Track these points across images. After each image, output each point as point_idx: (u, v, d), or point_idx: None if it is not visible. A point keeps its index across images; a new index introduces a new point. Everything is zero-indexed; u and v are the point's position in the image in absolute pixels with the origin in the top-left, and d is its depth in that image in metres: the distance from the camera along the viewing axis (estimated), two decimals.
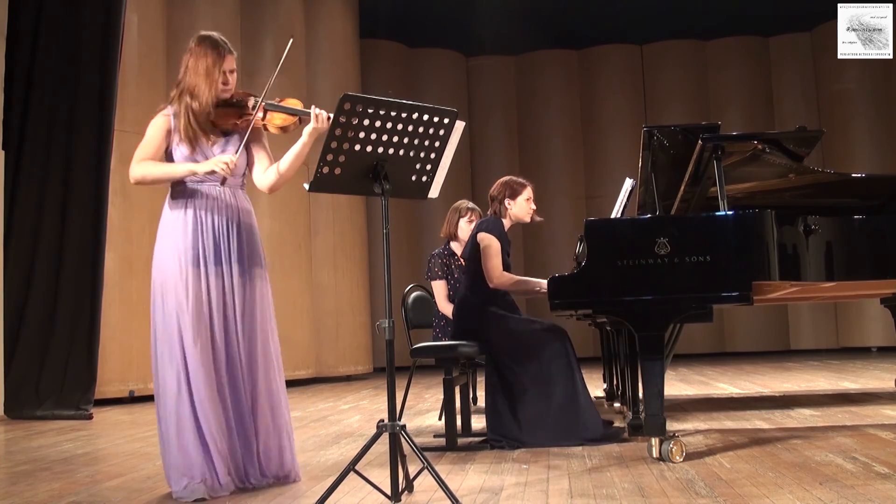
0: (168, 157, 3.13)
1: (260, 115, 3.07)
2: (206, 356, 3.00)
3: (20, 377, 6.37)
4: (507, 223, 4.38)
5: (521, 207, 4.38)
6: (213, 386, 3.00)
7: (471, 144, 12.64)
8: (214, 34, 3.14)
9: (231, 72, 3.12)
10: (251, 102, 3.11)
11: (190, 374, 2.98)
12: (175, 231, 3.07)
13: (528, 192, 4.40)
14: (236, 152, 3.06)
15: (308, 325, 9.34)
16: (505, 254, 4.32)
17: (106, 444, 4.71)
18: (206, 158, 3.08)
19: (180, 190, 3.11)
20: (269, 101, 3.08)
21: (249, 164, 3.22)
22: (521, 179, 4.44)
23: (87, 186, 6.53)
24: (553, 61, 13.10)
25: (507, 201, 4.37)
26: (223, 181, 3.03)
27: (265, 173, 3.18)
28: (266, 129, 3.12)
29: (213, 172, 3.00)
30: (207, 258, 3.05)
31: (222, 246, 3.08)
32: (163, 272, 3.06)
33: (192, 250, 3.04)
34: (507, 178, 4.47)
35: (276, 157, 3.22)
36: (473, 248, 4.32)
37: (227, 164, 2.95)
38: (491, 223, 4.33)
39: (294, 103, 3.11)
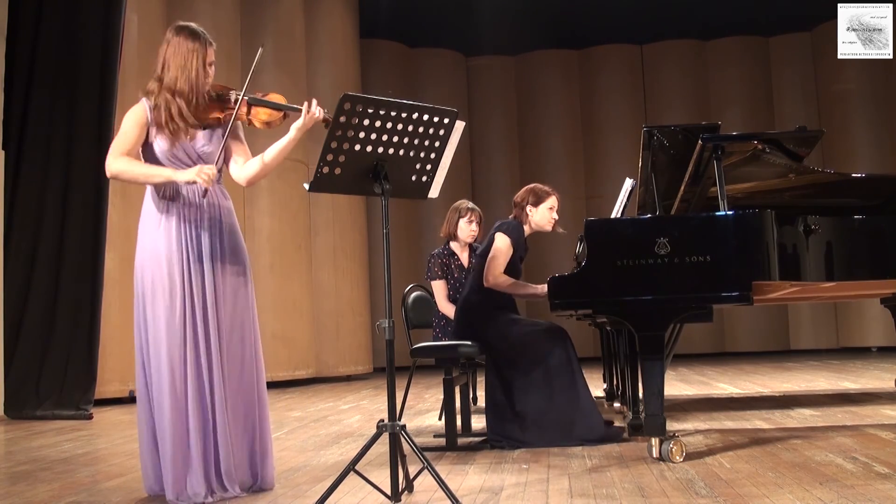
0: (146, 148, 3.03)
1: (244, 109, 3.01)
2: (201, 360, 2.94)
3: (20, 377, 6.37)
4: (527, 230, 4.37)
5: (542, 215, 4.36)
6: (203, 392, 2.93)
7: (471, 144, 12.65)
8: (192, 24, 3.07)
9: (211, 64, 3.03)
10: (233, 96, 3.04)
11: (187, 379, 2.91)
12: (157, 230, 2.98)
13: (552, 201, 4.38)
14: (219, 154, 2.99)
15: (308, 325, 9.33)
16: (518, 259, 4.31)
17: (106, 444, 4.71)
18: (186, 153, 2.99)
19: (162, 187, 3.01)
20: (253, 96, 3.03)
21: (227, 157, 3.13)
22: (547, 188, 4.41)
23: (87, 186, 6.53)
24: (553, 61, 13.10)
25: (528, 208, 4.35)
26: (204, 192, 2.96)
27: (244, 166, 3.09)
28: (250, 123, 3.05)
29: (193, 182, 2.89)
30: (190, 257, 2.97)
31: (204, 244, 2.99)
32: (146, 272, 2.97)
33: (174, 249, 2.96)
34: (533, 184, 4.45)
35: (260, 149, 3.13)
36: (488, 246, 4.31)
37: (208, 175, 2.85)
38: (511, 226, 4.31)
39: (278, 98, 3.07)
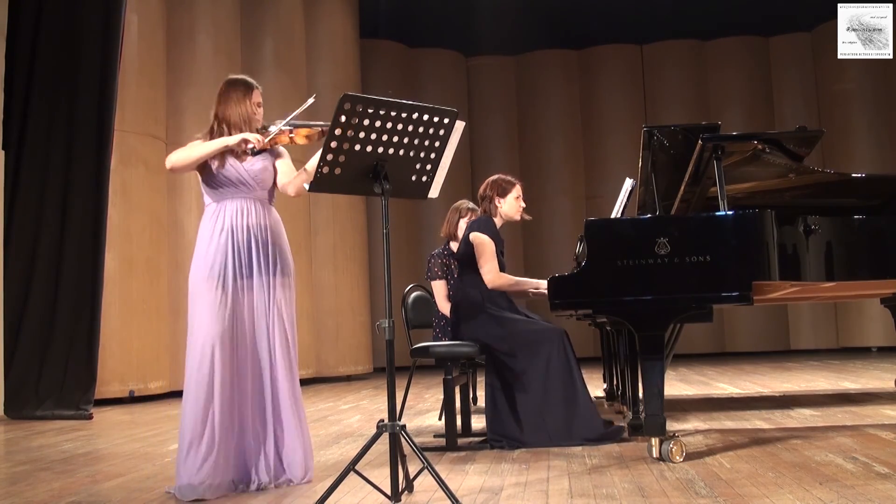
0: (205, 169, 3.28)
1: (286, 135, 3.27)
2: (233, 363, 3.13)
3: (20, 377, 6.37)
4: (498, 222, 4.39)
5: (510, 205, 4.39)
6: (238, 391, 3.14)
7: (471, 144, 12.64)
8: (241, 76, 3.41)
9: (259, 104, 3.34)
10: (278, 125, 3.30)
11: (215, 380, 3.08)
12: (209, 243, 3.21)
13: (516, 191, 4.41)
14: (269, 140, 3.24)
15: (308, 325, 9.33)
16: (499, 253, 4.32)
17: (106, 444, 4.72)
18: (238, 174, 3.26)
19: (216, 205, 3.27)
20: (293, 122, 3.26)
21: (274, 174, 3.38)
22: (509, 177, 4.44)
23: (87, 186, 6.53)
24: (553, 61, 13.09)
25: (496, 199, 4.38)
26: (253, 149, 3.21)
27: (291, 180, 3.34)
28: (293, 142, 3.30)
29: (245, 142, 3.15)
30: (240, 271, 3.21)
31: (254, 259, 3.24)
32: (196, 282, 3.20)
33: (224, 262, 3.19)
34: (495, 176, 4.47)
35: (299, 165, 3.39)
36: (466, 248, 4.32)
37: (257, 138, 3.15)
38: (482, 223, 4.33)
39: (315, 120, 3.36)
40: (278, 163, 3.39)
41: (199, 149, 3.21)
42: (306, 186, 2.82)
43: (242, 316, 3.20)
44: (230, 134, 3.25)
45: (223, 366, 3.09)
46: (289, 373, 3.27)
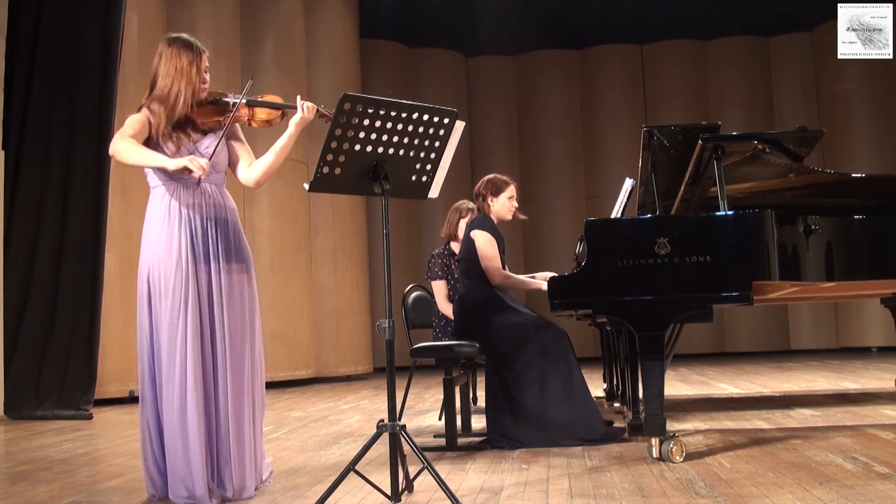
0: (156, 150, 2.99)
1: (244, 111, 3.06)
2: (207, 359, 2.94)
3: (20, 377, 6.36)
4: (493, 219, 4.41)
5: (502, 205, 4.41)
6: (210, 392, 2.93)
7: (471, 144, 12.64)
8: (184, 35, 3.10)
9: (206, 70, 3.08)
10: (230, 100, 3.09)
11: (189, 379, 2.88)
12: (162, 230, 2.98)
13: (510, 191, 4.43)
14: (216, 147, 3.01)
15: (308, 325, 9.33)
16: (500, 251, 4.33)
17: (106, 444, 4.71)
18: (190, 154, 2.98)
19: (165, 188, 3.02)
20: (251, 98, 3.07)
21: (232, 161, 3.17)
22: (504, 177, 4.47)
23: (87, 186, 6.53)
24: (553, 61, 13.09)
25: (489, 198, 4.40)
26: (198, 182, 2.98)
27: (250, 168, 3.14)
28: (251, 123, 3.10)
29: (185, 170, 2.83)
30: (196, 257, 2.97)
31: (210, 244, 3.01)
32: (152, 272, 2.96)
33: (181, 249, 2.96)
34: (491, 175, 4.51)
35: (262, 150, 3.17)
36: (467, 245, 4.33)
37: (201, 165, 2.81)
38: (482, 220, 4.36)
39: (274, 98, 3.13)
40: (237, 146, 3.14)
41: (138, 156, 2.88)
42: (306, 186, 2.78)
43: (206, 311, 2.94)
44: (174, 105, 2.97)
45: (200, 365, 2.89)
46: (252, 374, 3.04)
